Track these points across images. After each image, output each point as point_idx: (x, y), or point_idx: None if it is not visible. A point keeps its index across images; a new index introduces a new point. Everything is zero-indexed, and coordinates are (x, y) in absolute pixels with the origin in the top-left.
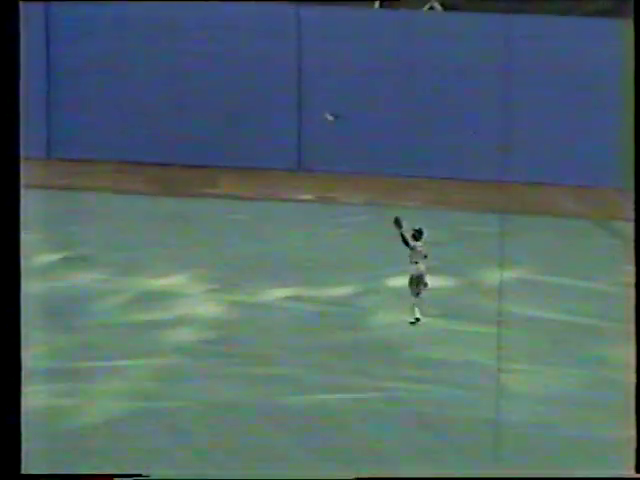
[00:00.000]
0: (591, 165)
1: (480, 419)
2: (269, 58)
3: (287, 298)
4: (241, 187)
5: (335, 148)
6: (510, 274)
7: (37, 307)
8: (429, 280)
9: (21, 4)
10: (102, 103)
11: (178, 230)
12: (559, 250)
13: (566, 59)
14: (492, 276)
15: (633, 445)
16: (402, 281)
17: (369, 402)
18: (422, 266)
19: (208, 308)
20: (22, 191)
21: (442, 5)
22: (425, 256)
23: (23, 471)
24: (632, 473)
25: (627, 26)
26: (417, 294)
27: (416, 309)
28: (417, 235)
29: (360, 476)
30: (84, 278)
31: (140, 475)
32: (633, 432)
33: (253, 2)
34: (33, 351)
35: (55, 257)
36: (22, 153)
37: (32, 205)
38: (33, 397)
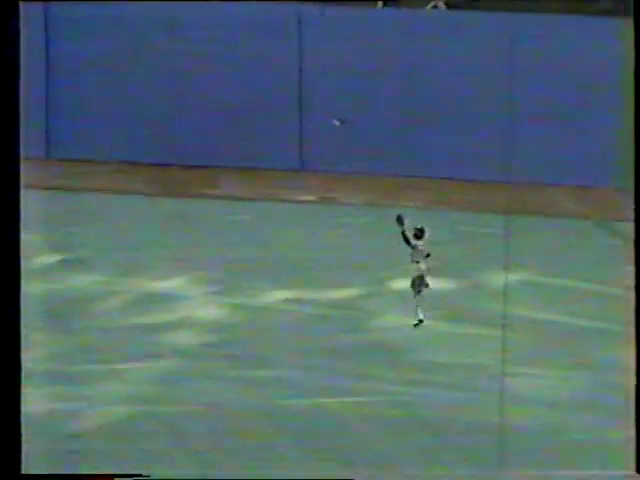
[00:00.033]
0: (593, 165)
1: (484, 422)
2: (270, 58)
3: (288, 300)
4: (241, 188)
5: (336, 148)
6: (512, 276)
7: (36, 309)
8: (431, 281)
9: (21, 4)
10: (102, 103)
11: (178, 231)
12: (561, 251)
13: (570, 58)
14: (494, 278)
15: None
16: (404, 283)
17: (371, 405)
18: (423, 265)
19: (208, 310)
20: (22, 191)
21: (446, 4)
22: (427, 255)
23: (23, 471)
24: (632, 473)
25: (628, 26)
26: (419, 292)
27: (418, 310)
28: (419, 234)
29: (360, 476)
30: (83, 280)
31: (140, 475)
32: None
33: (254, 2)
34: (32, 354)
35: (54, 258)
36: (21, 153)
37: (31, 205)
38: (33, 399)
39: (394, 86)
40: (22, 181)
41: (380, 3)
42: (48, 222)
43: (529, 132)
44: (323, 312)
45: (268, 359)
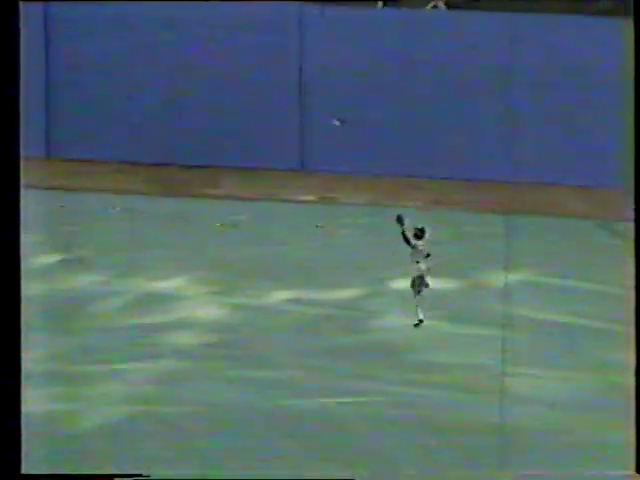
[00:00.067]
0: (595, 165)
1: (484, 423)
2: (271, 57)
3: (289, 300)
4: (242, 188)
5: (337, 148)
6: (514, 276)
7: (36, 309)
8: (431, 280)
9: (21, 4)
10: (102, 102)
11: (178, 231)
12: (563, 251)
13: (570, 58)
14: (496, 278)
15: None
16: (404, 283)
17: (371, 406)
18: (423, 265)
19: (209, 311)
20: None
21: (446, 4)
22: (427, 255)
23: (23, 471)
24: (632, 473)
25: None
26: (419, 292)
27: (419, 310)
28: (419, 234)
29: (360, 477)
30: (83, 280)
31: (140, 475)
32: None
33: (255, 1)
34: (32, 354)
35: (53, 259)
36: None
37: (31, 205)
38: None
39: (395, 85)
40: (22, 181)
41: (380, 3)
42: (47, 222)
43: (529, 131)
44: (324, 312)
45: (269, 359)
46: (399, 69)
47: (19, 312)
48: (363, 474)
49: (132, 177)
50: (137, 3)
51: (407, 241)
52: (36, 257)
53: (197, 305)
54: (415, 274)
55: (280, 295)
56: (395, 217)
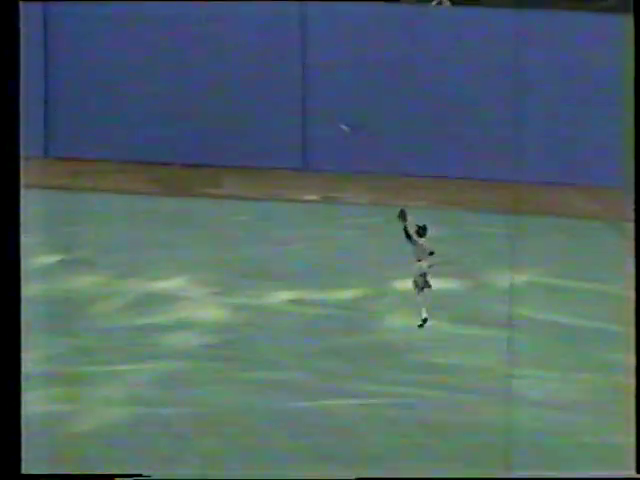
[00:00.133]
0: (605, 164)
1: (489, 425)
2: (273, 54)
3: (291, 301)
4: (244, 187)
5: (340, 147)
6: (520, 276)
7: (35, 310)
8: (436, 280)
9: (21, 4)
10: (101, 101)
11: (180, 231)
12: (570, 252)
13: (577, 55)
14: (502, 278)
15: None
16: (408, 283)
17: (375, 407)
18: (425, 264)
19: (210, 311)
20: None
21: (450, 0)
22: (431, 253)
23: (23, 471)
24: (632, 473)
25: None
26: (421, 289)
27: (422, 309)
28: (421, 232)
29: (361, 477)
30: (83, 280)
31: (140, 475)
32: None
33: (255, 1)
34: (32, 355)
35: (53, 259)
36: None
37: (30, 205)
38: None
39: (399, 82)
40: (22, 181)
41: None
42: (47, 222)
43: (536, 129)
44: (326, 312)
45: (271, 361)
46: (404, 65)
47: (19, 312)
48: (363, 474)
49: (132, 176)
50: (137, 3)
51: (409, 237)
52: (36, 258)
53: (199, 306)
54: (417, 273)
55: (282, 295)
56: (398, 212)
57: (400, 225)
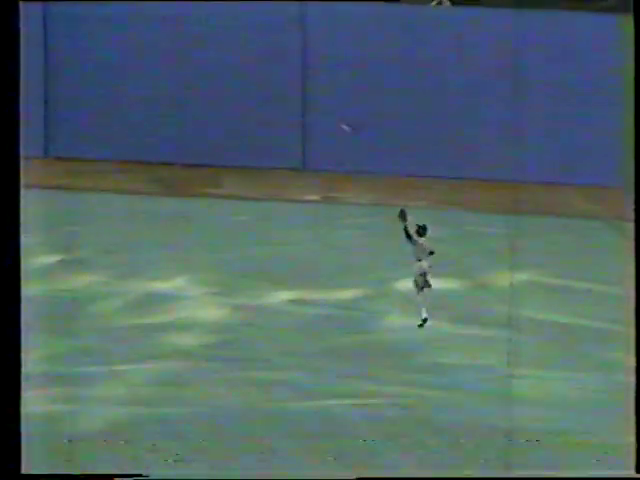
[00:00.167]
0: (605, 163)
1: (489, 425)
2: (273, 54)
3: (291, 301)
4: (244, 187)
5: (340, 147)
6: (520, 276)
7: (35, 310)
8: (436, 280)
9: (21, 4)
10: (101, 101)
11: (180, 231)
12: (569, 252)
13: (576, 55)
14: (502, 278)
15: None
16: (408, 284)
17: (375, 407)
18: (425, 263)
19: (210, 311)
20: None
21: (450, 0)
22: (430, 253)
23: (23, 471)
24: (632, 473)
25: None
26: (421, 288)
27: (423, 309)
28: (421, 232)
29: (361, 477)
30: (83, 280)
31: (140, 475)
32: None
33: (256, 0)
34: (32, 355)
35: (53, 259)
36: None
37: (30, 205)
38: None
39: (399, 82)
40: (22, 181)
41: None
42: (46, 222)
43: (536, 129)
44: (326, 312)
45: (271, 361)
46: (403, 65)
47: (19, 312)
48: (363, 474)
49: (132, 176)
50: (137, 3)
51: (408, 237)
52: (36, 258)
53: (198, 306)
54: (418, 272)
55: (282, 295)
56: (398, 211)
57: (400, 225)
